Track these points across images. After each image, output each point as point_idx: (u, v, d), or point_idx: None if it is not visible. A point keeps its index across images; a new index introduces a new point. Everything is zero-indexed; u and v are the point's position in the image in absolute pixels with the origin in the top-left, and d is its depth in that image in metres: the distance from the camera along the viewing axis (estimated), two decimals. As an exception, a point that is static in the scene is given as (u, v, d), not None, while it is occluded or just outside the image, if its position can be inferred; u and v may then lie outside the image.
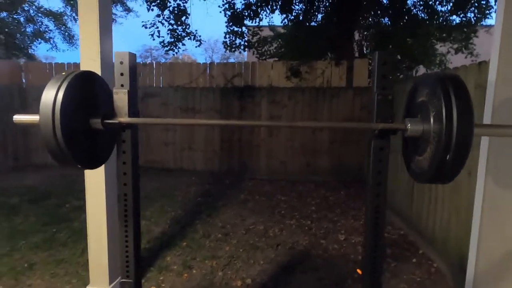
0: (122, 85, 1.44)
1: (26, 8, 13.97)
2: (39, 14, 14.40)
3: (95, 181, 2.44)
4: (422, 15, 7.42)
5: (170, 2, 7.69)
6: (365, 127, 1.43)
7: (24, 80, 8.16)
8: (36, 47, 15.80)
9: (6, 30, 13.53)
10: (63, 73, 1.31)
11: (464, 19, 7.11)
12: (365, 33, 8.42)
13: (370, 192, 1.40)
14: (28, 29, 14.61)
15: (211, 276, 3.17)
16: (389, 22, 7.95)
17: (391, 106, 1.34)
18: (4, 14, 13.24)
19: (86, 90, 1.36)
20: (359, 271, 1.51)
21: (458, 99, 1.11)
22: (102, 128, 1.38)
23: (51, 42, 14.92)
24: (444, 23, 7.31)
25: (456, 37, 7.54)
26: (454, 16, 7.20)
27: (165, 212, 4.89)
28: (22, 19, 14.20)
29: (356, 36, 8.45)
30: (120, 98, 1.43)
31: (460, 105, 1.10)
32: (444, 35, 7.44)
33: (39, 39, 14.93)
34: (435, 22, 7.26)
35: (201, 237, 4.05)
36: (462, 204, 2.92)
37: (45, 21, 14.61)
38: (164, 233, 4.19)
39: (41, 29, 14.68)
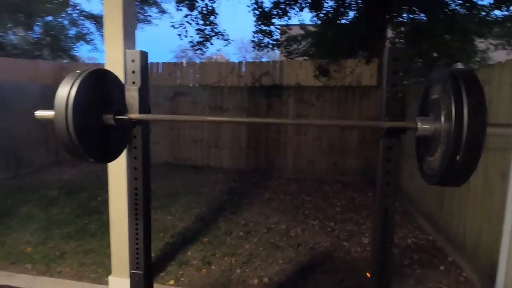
0: (133, 83, 1.49)
1: (69, 12, 14.83)
2: (81, 17, 15.23)
3: (117, 175, 2.54)
4: (461, 9, 7.01)
5: (198, 2, 7.84)
6: (372, 125, 1.38)
7: (65, 80, 8.66)
8: (79, 48, 16.73)
9: (52, 33, 14.43)
10: (78, 71, 1.37)
11: (507, 12, 6.61)
12: (399, 30, 8.10)
13: (378, 193, 1.35)
14: (71, 32, 15.50)
15: (229, 273, 3.20)
16: (424, 18, 7.58)
17: (401, 104, 1.28)
18: (50, 18, 14.12)
19: (100, 87, 1.42)
20: (368, 274, 1.46)
21: (470, 96, 1.04)
22: (114, 123, 1.44)
23: (92, 43, 15.72)
24: (485, 17, 6.85)
25: (497, 32, 7.04)
26: (497, 10, 6.73)
27: (190, 209, 5.00)
28: (66, 22, 15.09)
29: (389, 33, 8.16)
30: (132, 95, 1.48)
31: (472, 102, 1.03)
32: (484, 30, 6.97)
33: (81, 41, 15.78)
34: (474, 17, 6.82)
35: (222, 234, 4.09)
36: (495, 209, 2.74)
37: (87, 23, 15.44)
38: (188, 228, 4.29)
39: (83, 31, 15.51)
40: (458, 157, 1.05)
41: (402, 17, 7.95)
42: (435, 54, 7.72)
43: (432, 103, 1.26)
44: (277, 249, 3.73)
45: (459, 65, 7.80)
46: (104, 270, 3.18)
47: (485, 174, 2.92)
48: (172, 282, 3.03)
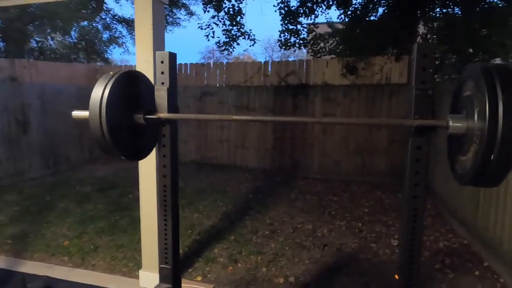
0: (162, 83, 1.54)
1: (103, 17, 15.46)
2: (114, 21, 15.84)
3: (147, 173, 2.63)
4: (498, 2, 6.63)
5: (225, 3, 7.92)
6: (401, 123, 1.34)
7: (99, 82, 9.04)
8: (111, 51, 17.41)
9: (87, 37, 15.11)
10: (111, 73, 1.44)
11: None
12: (431, 25, 7.78)
13: (407, 194, 1.32)
14: (105, 36, 16.15)
15: (255, 271, 3.22)
16: (459, 12, 7.25)
17: (431, 101, 1.24)
18: (85, 23, 14.79)
19: (131, 88, 1.48)
20: (396, 276, 1.43)
21: (505, 93, 0.99)
22: (144, 123, 1.49)
23: (124, 46, 16.32)
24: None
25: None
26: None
27: (216, 207, 5.08)
28: (99, 26, 15.74)
29: (421, 29, 7.87)
30: (161, 95, 1.53)
31: (507, 99, 0.98)
32: (525, 23, 6.56)
33: (114, 44, 16.42)
34: (514, 9, 6.44)
35: (248, 233, 4.13)
36: (535, 214, 2.58)
37: (119, 27, 16.04)
38: (214, 226, 4.36)
39: (115, 35, 16.12)
40: (492, 157, 1.01)
41: (435, 12, 7.64)
42: (471, 50, 7.35)
43: (464, 100, 1.22)
44: (303, 249, 3.71)
45: (497, 61, 7.39)
46: (134, 264, 3.30)
47: (524, 175, 2.76)
48: (199, 278, 3.10)
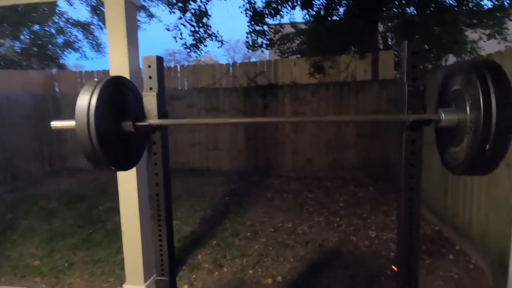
0: (150, 88, 1.48)
1: (56, 20, 14.64)
2: (68, 25, 15.05)
3: (128, 182, 2.52)
4: (450, 1, 7.10)
5: (190, 4, 7.80)
6: (396, 119, 1.38)
7: (57, 89, 8.55)
8: (66, 56, 16.52)
9: (39, 42, 14.23)
10: (96, 79, 1.36)
11: (497, 2, 6.72)
12: (389, 24, 8.17)
13: (403, 186, 1.36)
14: (59, 40, 15.30)
15: (242, 274, 3.19)
16: (414, 11, 7.67)
17: (423, 97, 1.29)
18: (37, 27, 13.93)
19: (117, 95, 1.41)
20: (394, 267, 1.47)
21: (497, 86, 1.05)
22: (134, 130, 1.42)
23: (80, 51, 15.55)
24: (474, 8, 6.96)
25: (487, 22, 7.15)
26: (485, 0, 6.84)
27: (194, 212, 4.98)
28: (53, 30, 14.89)
29: (381, 27, 8.23)
30: (149, 100, 1.47)
31: (499, 92, 1.05)
32: (474, 21, 7.08)
33: (69, 49, 15.60)
34: (464, 7, 6.92)
35: (230, 236, 4.09)
36: (501, 197, 2.78)
37: (74, 31, 15.26)
38: (194, 232, 4.27)
39: (70, 39, 15.33)
40: (487, 147, 1.07)
41: (392, 11, 8.02)
42: (426, 47, 7.80)
43: (453, 94, 1.28)
44: (286, 248, 3.73)
45: (451, 56, 7.90)
46: (115, 279, 3.15)
47: (489, 162, 2.96)
48: (186, 287, 3.02)
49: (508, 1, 6.63)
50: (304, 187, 6.23)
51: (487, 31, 7.25)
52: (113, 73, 2.39)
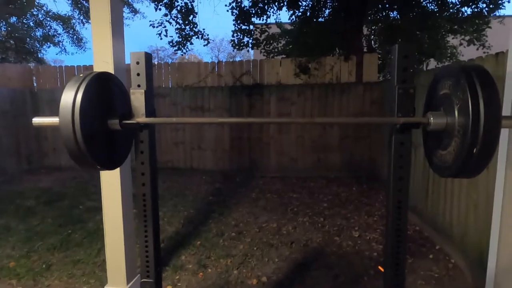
0: (138, 85, 1.44)
1: (35, 13, 14.14)
2: (48, 18, 14.56)
3: (111, 182, 2.45)
4: (432, 7, 7.29)
5: (177, 1, 7.69)
6: (386, 121, 1.40)
7: (35, 84, 8.26)
8: (46, 51, 16.01)
9: (16, 35, 13.71)
10: (81, 75, 1.31)
11: (476, 10, 6.96)
12: (374, 27, 8.31)
13: (391, 188, 1.38)
14: (38, 33, 14.79)
15: (226, 275, 3.17)
16: (398, 16, 7.83)
17: (413, 100, 1.31)
18: (14, 19, 13.42)
19: (104, 91, 1.37)
20: (381, 268, 1.48)
21: (485, 90, 1.08)
22: (120, 128, 1.38)
23: (60, 45, 15.09)
24: (455, 15, 7.17)
25: (467, 29, 7.39)
26: (466, 7, 7.05)
27: (177, 212, 4.91)
28: (31, 23, 14.37)
29: (365, 30, 8.36)
30: (137, 98, 1.43)
31: (487, 96, 1.07)
32: (455, 27, 7.29)
33: (48, 43, 15.10)
34: (445, 14, 7.12)
35: (214, 236, 4.05)
36: (480, 198, 2.87)
37: (54, 25, 14.78)
38: (178, 232, 4.21)
39: (50, 33, 14.84)
40: (475, 150, 1.09)
41: (377, 15, 8.17)
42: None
43: (441, 98, 1.30)
44: (271, 248, 3.73)
45: (432, 61, 8.11)
46: (96, 280, 3.06)
47: (469, 164, 3.05)
48: (169, 287, 2.97)
49: (486, 9, 6.88)
50: (289, 187, 6.25)
51: (467, 37, 7.49)
52: (97, 68, 2.32)
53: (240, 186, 6.39)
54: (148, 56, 1.45)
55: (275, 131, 7.14)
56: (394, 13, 7.91)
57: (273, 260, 3.45)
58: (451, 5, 7.01)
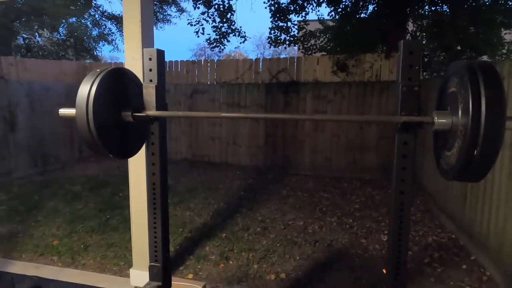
0: (150, 80, 1.53)
1: (92, 13, 15.23)
2: (103, 18, 15.62)
3: (137, 171, 2.61)
4: (485, 0, 6.73)
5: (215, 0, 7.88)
6: (388, 120, 1.36)
7: (88, 79, 8.91)
8: (101, 48, 17.16)
9: (75, 34, 14.87)
10: (97, 70, 1.42)
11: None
12: (420, 23, 7.87)
13: (394, 189, 1.34)
14: (94, 32, 15.92)
15: (246, 268, 3.23)
16: (447, 10, 7.34)
17: (417, 98, 1.26)
18: (73, 19, 14.55)
19: (118, 85, 1.47)
20: (384, 271, 1.45)
21: (488, 89, 1.01)
22: (132, 120, 1.48)
23: (113, 43, 16.11)
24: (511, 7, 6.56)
25: (526, 23, 6.72)
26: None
27: (208, 204, 5.07)
28: (88, 23, 15.51)
29: (410, 26, 7.95)
30: (149, 92, 1.52)
31: (490, 95, 1.00)
32: (511, 21, 6.67)
33: (103, 41, 16.19)
34: (501, 7, 6.53)
35: (240, 230, 4.13)
36: (520, 208, 2.64)
37: (109, 24, 15.83)
38: (206, 224, 4.35)
39: (105, 32, 15.90)
40: (475, 152, 1.03)
41: (424, 10, 7.72)
42: (459, 47, 7.46)
43: (449, 96, 1.24)
44: (294, 245, 3.73)
45: (485, 58, 7.50)
46: (125, 263, 3.28)
47: (510, 170, 2.82)
48: (190, 276, 3.09)
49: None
50: (321, 186, 6.17)
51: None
52: (127, 65, 2.49)
53: (272, 182, 6.43)
54: (160, 53, 1.53)
55: (310, 128, 7.06)
56: (444, 7, 7.42)
57: (294, 258, 3.45)
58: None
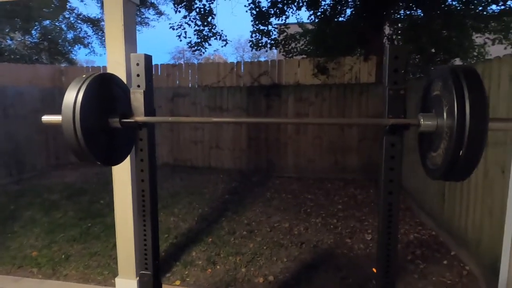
0: (138, 86, 1.51)
1: (67, 16, 14.83)
2: (79, 21, 15.24)
3: (122, 178, 2.56)
4: (457, 5, 7.02)
5: (196, 3, 7.84)
6: (376, 122, 1.40)
7: (64, 84, 8.68)
8: (77, 52, 16.73)
9: (49, 37, 14.42)
10: (83, 76, 1.39)
11: (503, 7, 6.63)
12: (396, 26, 8.12)
13: (382, 190, 1.37)
14: (69, 35, 15.49)
15: (234, 272, 3.22)
16: (421, 14, 7.60)
17: (403, 101, 1.30)
18: (47, 22, 14.11)
19: (105, 91, 1.44)
20: (374, 270, 1.48)
21: (471, 92, 1.06)
22: (120, 126, 1.46)
23: (90, 47, 15.73)
24: (481, 12, 6.87)
25: (494, 27, 7.06)
26: (493, 5, 6.74)
27: (192, 209, 5.02)
28: (63, 26, 15.08)
29: (387, 30, 8.18)
30: (137, 98, 1.50)
31: (473, 98, 1.05)
32: (481, 25, 6.99)
33: (79, 44, 15.78)
34: (471, 12, 6.84)
35: (226, 234, 4.12)
36: (496, 204, 2.76)
37: (84, 27, 15.45)
38: (191, 229, 4.31)
39: (80, 35, 15.51)
40: (461, 153, 1.08)
41: (399, 14, 7.97)
42: (433, 50, 7.74)
43: (433, 99, 1.28)
44: (280, 248, 3.75)
45: (457, 60, 7.82)
46: (109, 272, 3.20)
47: (485, 169, 2.94)
48: (178, 282, 3.05)
49: (515, 6, 6.54)
50: (305, 188, 6.23)
51: (494, 36, 7.15)
52: (110, 69, 2.44)
53: (256, 185, 6.44)
54: (147, 58, 1.52)
55: (293, 131, 7.13)
56: (418, 11, 7.68)
57: (282, 260, 3.47)
58: (477, 3, 6.71)
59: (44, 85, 8.01)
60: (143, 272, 1.61)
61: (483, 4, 6.73)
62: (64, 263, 3.41)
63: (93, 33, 15.60)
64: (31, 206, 5.09)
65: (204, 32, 8.20)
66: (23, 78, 7.62)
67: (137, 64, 1.51)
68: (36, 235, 4.09)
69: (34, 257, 3.52)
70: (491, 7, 6.76)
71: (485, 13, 6.87)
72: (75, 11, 14.80)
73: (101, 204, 5.23)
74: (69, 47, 15.79)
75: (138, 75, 1.51)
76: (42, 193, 5.79)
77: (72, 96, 1.31)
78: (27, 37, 14.06)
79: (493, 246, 2.79)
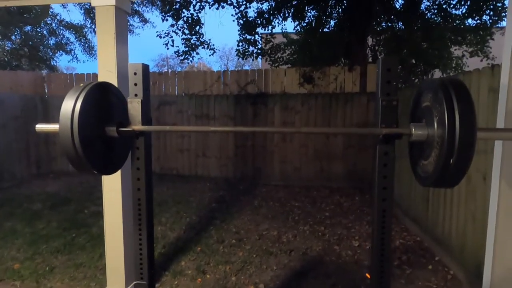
0: (136, 95, 1.52)
1: (48, 22, 14.57)
2: (61, 27, 14.99)
3: (112, 187, 2.53)
4: (436, 18, 7.34)
5: (184, 12, 7.89)
6: (370, 132, 1.45)
7: (46, 90, 8.49)
8: (58, 58, 16.40)
9: (30, 43, 14.11)
10: (81, 84, 1.39)
11: (479, 21, 6.98)
12: (378, 38, 8.38)
13: (376, 197, 1.42)
14: (51, 42, 15.20)
15: (224, 281, 3.20)
16: (402, 27, 7.89)
17: (395, 111, 1.36)
18: (28, 27, 13.82)
19: (102, 100, 1.44)
20: (368, 275, 1.52)
21: (460, 103, 1.12)
22: (117, 135, 1.46)
23: (72, 53, 15.47)
24: (459, 26, 7.20)
25: (471, 40, 7.40)
26: (470, 19, 7.08)
27: (180, 218, 4.97)
28: (45, 32, 14.79)
29: (370, 41, 8.43)
30: (134, 107, 1.51)
31: (462, 109, 1.11)
32: (459, 38, 7.32)
33: (61, 51, 15.50)
34: (449, 25, 7.16)
35: (215, 243, 4.09)
36: (478, 210, 2.87)
37: (66, 33, 15.21)
38: (179, 238, 4.26)
39: (62, 41, 15.25)
40: (451, 161, 1.14)
41: (381, 26, 8.23)
42: (413, 61, 8.02)
43: (423, 110, 1.35)
44: (270, 256, 3.76)
45: (437, 71, 8.12)
46: (97, 283, 3.12)
47: (468, 176, 3.06)
48: (167, 292, 3.01)
49: (490, 21, 6.89)
50: (291, 195, 6.28)
51: (471, 49, 7.49)
52: (101, 77, 2.43)
53: (243, 193, 6.44)
54: (145, 67, 1.53)
55: (279, 139, 7.19)
56: (399, 24, 7.96)
57: (272, 268, 3.47)
58: (455, 17, 7.04)
59: (25, 92, 7.82)
60: (138, 282, 1.59)
61: (461, 18, 7.06)
62: (49, 275, 3.30)
63: (76, 39, 15.39)
64: (12, 217, 4.92)
65: (192, 41, 8.23)
66: (3, 85, 7.42)
67: (135, 74, 1.52)
68: (18, 246, 3.95)
69: (17, 270, 3.39)
70: (467, 21, 7.10)
71: (462, 26, 7.20)
72: (58, 17, 14.58)
73: (85, 213, 5.11)
74: (51, 54, 15.50)
75: (135, 84, 1.52)
76: (23, 202, 5.61)
77: (70, 105, 1.31)
78: (6, 42, 13.71)
79: (476, 251, 2.89)
